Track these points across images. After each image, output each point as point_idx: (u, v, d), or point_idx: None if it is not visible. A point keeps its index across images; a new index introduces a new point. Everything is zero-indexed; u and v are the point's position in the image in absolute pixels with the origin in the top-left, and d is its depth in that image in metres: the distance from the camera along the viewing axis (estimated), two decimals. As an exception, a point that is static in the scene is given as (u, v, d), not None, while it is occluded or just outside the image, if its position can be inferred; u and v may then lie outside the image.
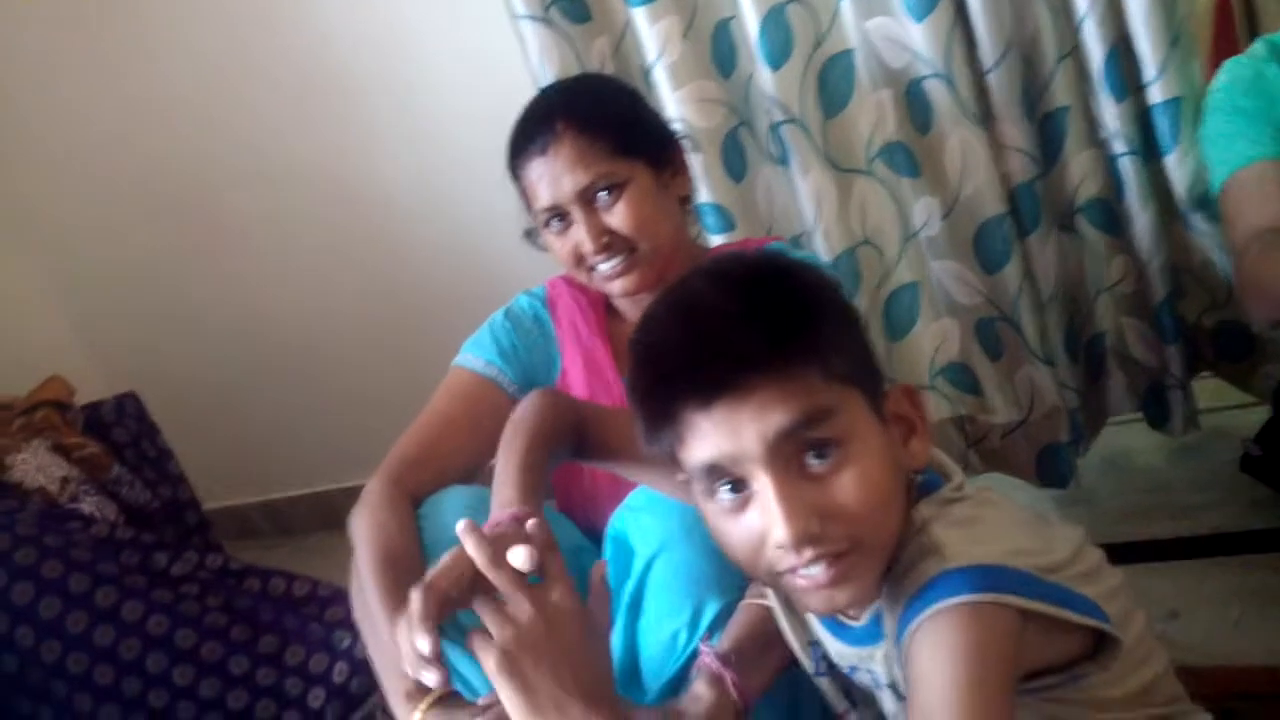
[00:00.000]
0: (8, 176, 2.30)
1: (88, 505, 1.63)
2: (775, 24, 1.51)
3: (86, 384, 1.90)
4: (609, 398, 1.28)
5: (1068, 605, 0.74)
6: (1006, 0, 1.47)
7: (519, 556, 0.81)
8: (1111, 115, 1.51)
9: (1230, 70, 1.36)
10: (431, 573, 0.84)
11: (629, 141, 1.21)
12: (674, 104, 1.58)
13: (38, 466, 1.62)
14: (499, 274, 1.95)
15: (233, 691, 1.55)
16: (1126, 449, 1.83)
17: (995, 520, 0.79)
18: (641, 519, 1.06)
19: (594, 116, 1.21)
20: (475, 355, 1.29)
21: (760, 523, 0.74)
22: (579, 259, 1.23)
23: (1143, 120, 1.52)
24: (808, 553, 0.72)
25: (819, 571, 0.73)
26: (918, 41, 1.49)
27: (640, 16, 1.55)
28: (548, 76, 1.56)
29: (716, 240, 1.66)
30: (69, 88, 2.18)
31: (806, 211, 1.62)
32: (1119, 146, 1.53)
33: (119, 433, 1.83)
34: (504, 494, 0.97)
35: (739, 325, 0.73)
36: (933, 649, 0.70)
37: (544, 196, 1.21)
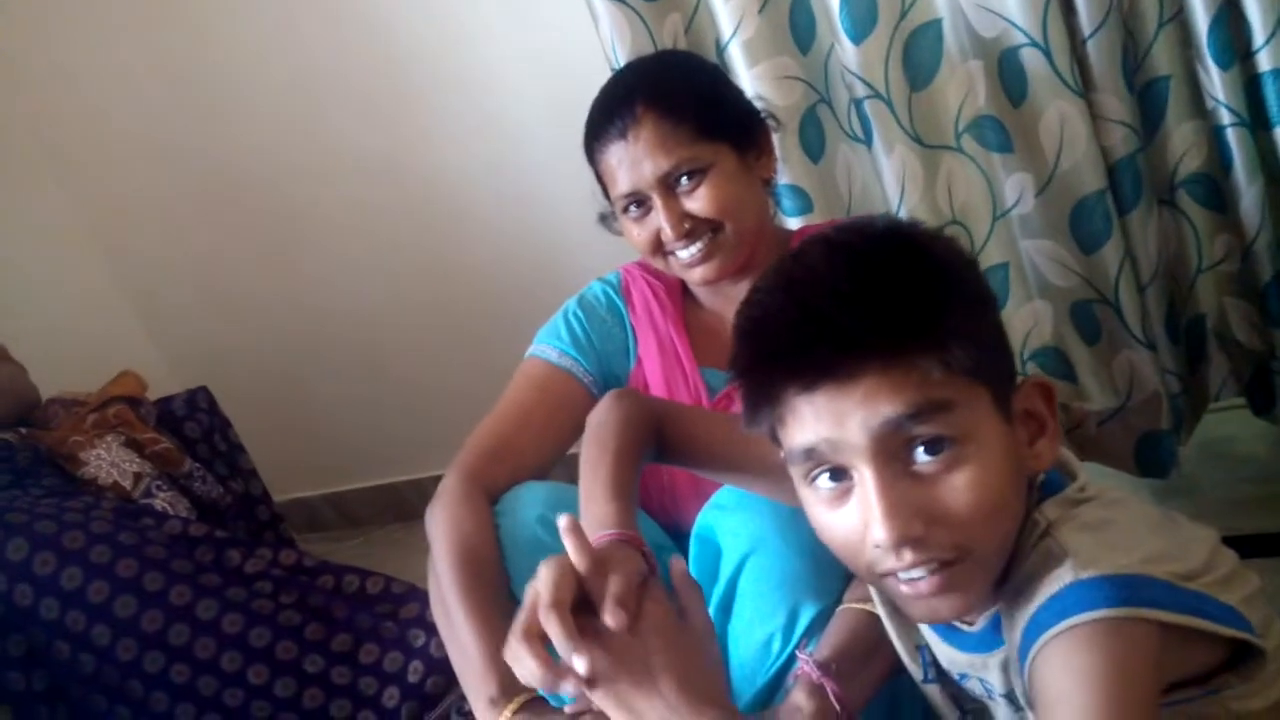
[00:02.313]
0: (79, 178, 2.31)
1: (160, 501, 1.62)
2: (859, -8, 1.44)
3: (157, 379, 1.90)
4: (686, 387, 1.25)
5: (1209, 615, 0.68)
6: (1106, -38, 1.39)
7: (581, 664, 0.73)
8: (1217, 84, 1.42)
9: None
10: (546, 590, 0.76)
11: (712, 123, 1.17)
12: (750, 81, 1.52)
13: (111, 462, 1.62)
14: (569, 262, 1.92)
15: (308, 690, 1.54)
16: (1229, 437, 1.74)
17: (1127, 523, 0.73)
18: (730, 518, 1.02)
19: (675, 98, 1.17)
20: (549, 345, 1.26)
21: (860, 518, 0.69)
22: (657, 245, 1.19)
23: (1251, 89, 1.42)
24: (908, 556, 0.67)
25: (921, 577, 0.68)
26: (1012, 9, 1.41)
27: (716, -10, 1.49)
28: (621, 55, 1.51)
29: (793, 223, 1.60)
30: (137, 91, 2.19)
31: (890, 190, 1.55)
32: (1225, 117, 1.44)
33: (191, 427, 1.82)
34: (597, 511, 0.92)
35: (850, 305, 0.67)
36: (1068, 668, 0.64)
37: (623, 182, 1.17)
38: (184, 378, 1.98)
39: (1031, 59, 1.43)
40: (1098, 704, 0.62)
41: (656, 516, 1.25)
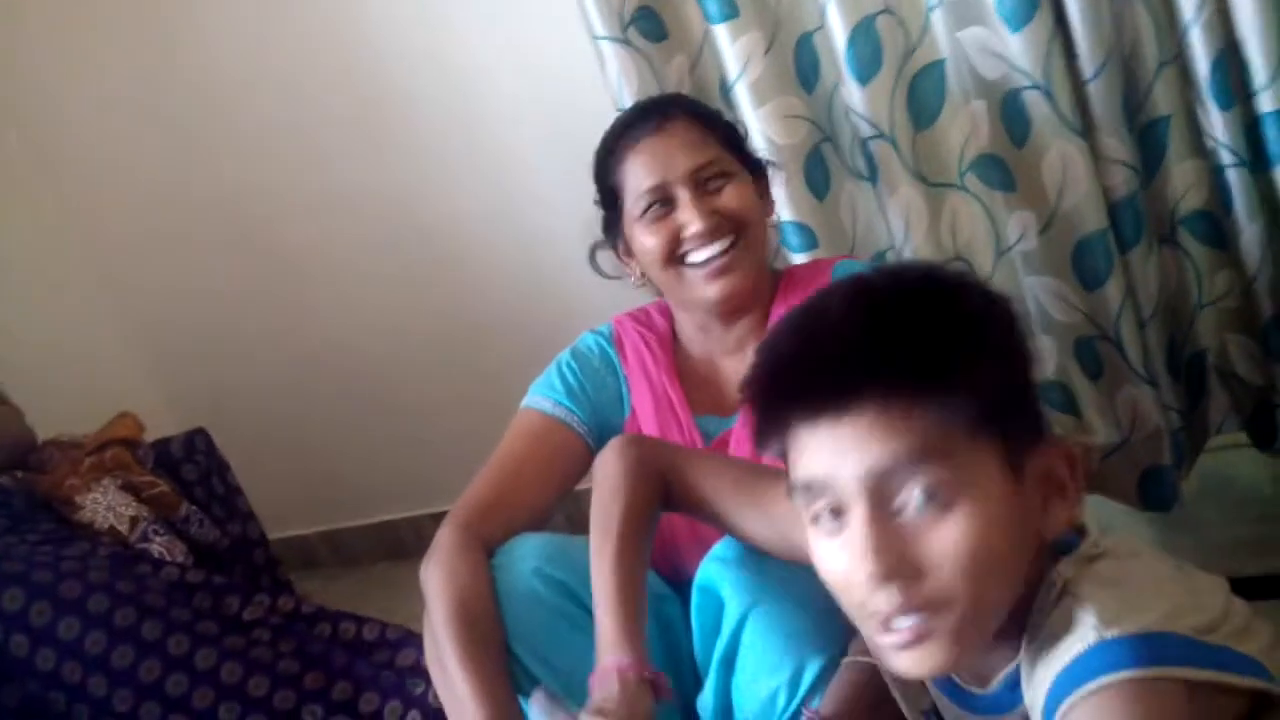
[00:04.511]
0: (75, 217, 2.30)
1: (157, 545, 1.59)
2: (864, 37, 1.46)
3: (154, 417, 1.87)
4: (680, 436, 1.25)
5: (1233, 668, 0.67)
6: (1106, 6, 1.41)
7: None
8: (1217, 124, 1.44)
9: None
10: None
11: (738, 146, 1.23)
12: (756, 121, 1.53)
13: (108, 506, 1.59)
14: (567, 302, 1.91)
15: (308, 739, 1.51)
16: (1230, 473, 1.75)
17: (1143, 577, 0.72)
18: (732, 571, 1.02)
19: (709, 113, 1.24)
20: (543, 396, 1.27)
21: (848, 557, 0.68)
22: (672, 251, 1.19)
23: (1251, 130, 1.45)
24: (893, 597, 0.66)
25: (905, 626, 0.67)
26: (1014, 52, 1.43)
27: (721, 33, 1.50)
28: (628, 97, 1.51)
29: (797, 259, 1.60)
30: (138, 131, 2.18)
31: (895, 227, 1.57)
32: (1225, 157, 1.46)
33: (188, 469, 1.80)
34: (605, 621, 0.95)
35: (857, 345, 0.68)
36: None
37: (653, 175, 1.18)
38: (181, 415, 1.96)
39: (1034, 100, 1.45)
40: None
41: (657, 564, 1.22)
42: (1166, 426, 1.58)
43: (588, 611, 1.09)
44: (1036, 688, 0.69)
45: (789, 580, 0.98)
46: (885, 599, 0.67)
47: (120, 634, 1.42)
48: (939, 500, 0.67)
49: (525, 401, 1.28)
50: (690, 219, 1.17)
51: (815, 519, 0.72)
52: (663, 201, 1.19)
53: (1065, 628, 0.68)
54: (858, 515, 0.67)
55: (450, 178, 2.02)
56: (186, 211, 2.20)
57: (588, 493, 1.18)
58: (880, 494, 0.67)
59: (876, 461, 0.67)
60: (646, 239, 1.20)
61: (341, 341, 2.22)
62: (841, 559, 0.70)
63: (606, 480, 1.01)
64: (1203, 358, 1.63)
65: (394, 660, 1.58)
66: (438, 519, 2.26)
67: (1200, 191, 1.52)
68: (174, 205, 2.20)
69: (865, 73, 1.47)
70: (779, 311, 1.24)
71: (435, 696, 1.53)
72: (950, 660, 0.69)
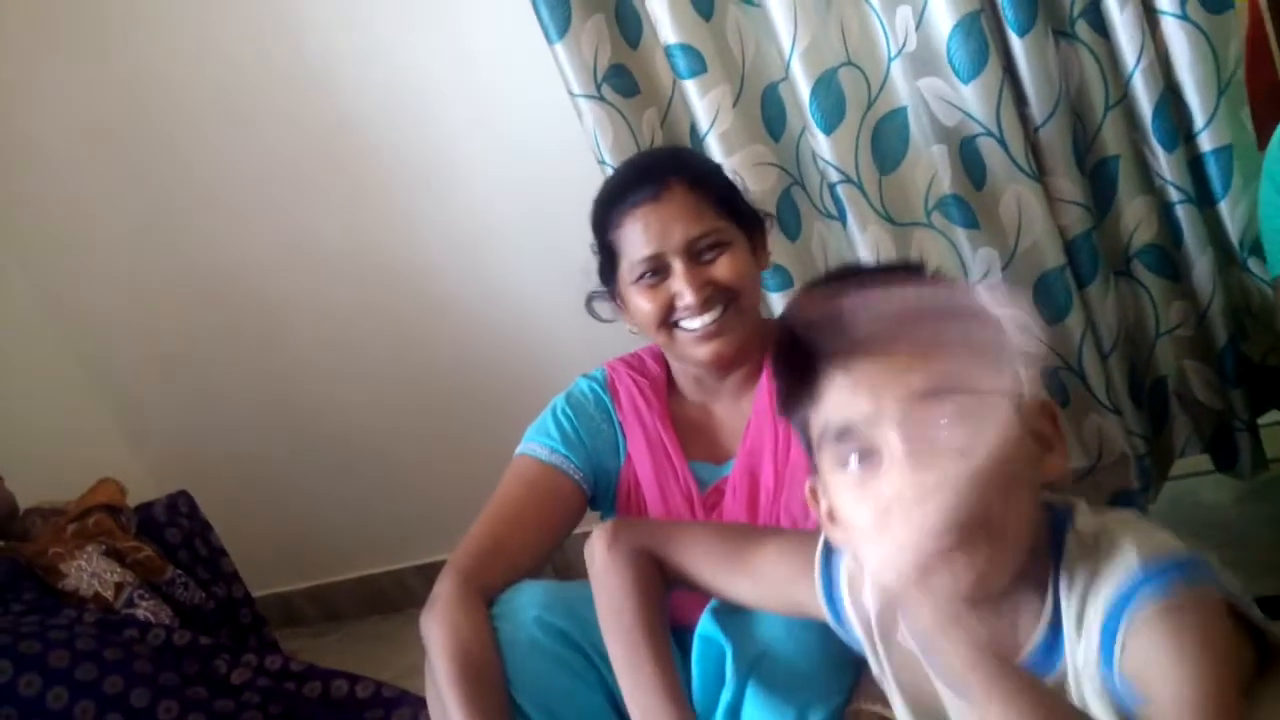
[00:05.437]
0: (49, 279, 2.28)
1: (143, 610, 1.58)
2: (827, 89, 1.51)
3: (134, 479, 1.86)
4: (676, 483, 1.27)
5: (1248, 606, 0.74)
6: (1053, 57, 1.49)
7: None
8: (1163, 164, 1.51)
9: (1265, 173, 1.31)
10: None
11: (733, 208, 1.24)
12: (728, 169, 1.58)
13: (92, 573, 1.57)
14: (547, 354, 1.94)
15: (300, 801, 1.49)
16: (1196, 498, 1.80)
17: (1152, 526, 0.78)
18: (736, 620, 1.03)
19: (705, 176, 1.24)
20: (539, 443, 1.28)
21: (888, 492, 0.72)
22: (665, 316, 1.21)
23: (1195, 168, 1.52)
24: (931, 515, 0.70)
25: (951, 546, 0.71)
26: (968, 101, 1.49)
27: (690, 88, 1.55)
28: (605, 149, 1.56)
29: (774, 298, 1.65)
30: (110, 194, 2.18)
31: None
32: (1173, 194, 1.53)
33: (172, 532, 1.78)
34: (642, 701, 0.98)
35: (890, 294, 0.75)
36: (1171, 636, 0.68)
37: (648, 245, 1.19)
38: (161, 477, 1.94)
39: (988, 147, 1.51)
40: (1206, 660, 0.67)
41: None
42: (1132, 452, 1.64)
43: (589, 660, 1.12)
44: (1088, 628, 0.73)
45: (793, 629, 1.00)
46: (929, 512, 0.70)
47: (109, 702, 1.40)
48: (963, 424, 0.71)
49: (521, 448, 1.29)
50: (684, 290, 1.18)
51: (844, 465, 0.76)
52: (657, 270, 1.20)
53: (1109, 564, 0.73)
54: (894, 443, 0.72)
55: (426, 230, 2.04)
56: (160, 272, 2.20)
57: (575, 539, 1.21)
58: (918, 424, 0.72)
59: (913, 393, 0.72)
60: (641, 303, 1.22)
61: (320, 397, 2.22)
62: (877, 500, 0.73)
63: (606, 578, 1.04)
64: (1164, 384, 1.69)
65: (389, 719, 1.57)
66: (421, 571, 2.27)
67: (1151, 226, 1.59)
68: (148, 267, 2.20)
69: (830, 122, 1.53)
70: (767, 372, 1.26)
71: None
72: (997, 580, 0.74)
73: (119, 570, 1.60)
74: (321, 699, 1.58)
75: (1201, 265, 1.55)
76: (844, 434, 0.75)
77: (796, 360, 0.78)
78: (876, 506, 0.74)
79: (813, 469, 0.82)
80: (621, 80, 1.58)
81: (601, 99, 1.56)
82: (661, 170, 1.21)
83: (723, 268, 1.19)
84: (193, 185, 2.13)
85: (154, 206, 2.15)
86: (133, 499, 1.80)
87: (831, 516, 0.81)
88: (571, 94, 1.56)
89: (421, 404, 2.17)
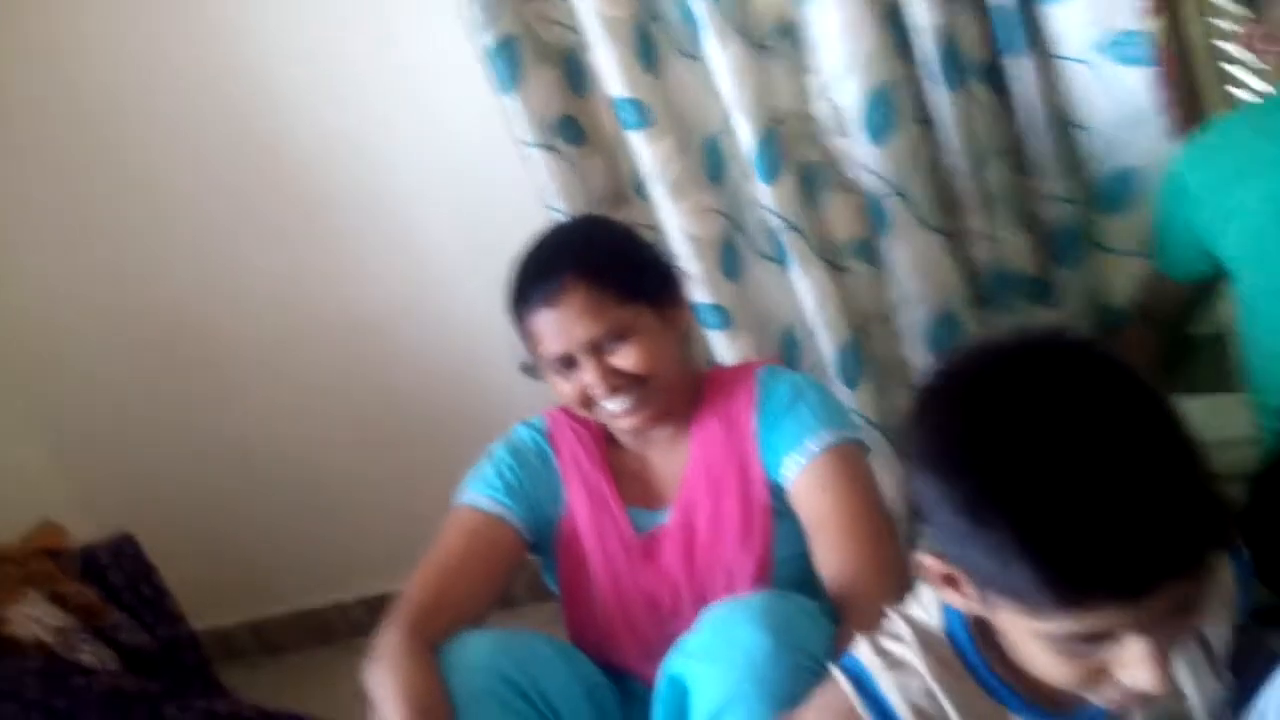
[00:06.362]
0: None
1: (87, 655, 1.55)
2: (769, 144, 1.58)
3: (69, 514, 1.81)
4: (615, 530, 1.29)
5: None
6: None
7: None
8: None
9: (1171, 168, 1.40)
10: None
11: (634, 288, 1.22)
12: (674, 216, 1.64)
13: (34, 618, 1.55)
14: (491, 390, 1.96)
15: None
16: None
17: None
18: (703, 667, 1.05)
19: (601, 266, 1.21)
20: (481, 494, 1.29)
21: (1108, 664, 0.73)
22: (586, 399, 1.24)
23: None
24: None
25: None
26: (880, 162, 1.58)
27: (637, 139, 1.60)
28: (554, 196, 1.60)
29: (715, 336, 1.70)
30: (46, 226, 2.12)
31: (807, 305, 1.68)
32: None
33: (115, 575, 1.76)
34: None
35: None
36: None
37: (553, 346, 1.21)
38: (100, 510, 1.90)
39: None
40: None
41: (590, 654, 1.27)
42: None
43: (537, 710, 1.14)
44: None
45: (762, 680, 1.00)
46: None
47: (58, 754, 1.38)
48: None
49: (462, 498, 1.30)
50: (593, 383, 1.21)
51: (1070, 651, 0.72)
52: (567, 363, 1.22)
53: None
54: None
55: (370, 260, 2.04)
56: (98, 308, 2.15)
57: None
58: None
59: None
60: (560, 385, 1.25)
61: (260, 429, 2.20)
62: (1090, 660, 0.72)
63: None
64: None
65: None
66: (364, 604, 2.25)
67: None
68: (84, 302, 2.15)
69: (771, 173, 1.60)
70: (703, 416, 1.30)
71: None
72: None
73: (61, 615, 1.57)
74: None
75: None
76: (1091, 638, 0.70)
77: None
78: (1085, 667, 0.73)
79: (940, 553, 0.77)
80: (570, 130, 1.63)
81: (551, 149, 1.60)
82: (558, 269, 1.21)
83: (628, 358, 1.21)
84: (130, 214, 2.08)
85: (95, 238, 2.10)
86: (69, 525, 1.76)
87: (955, 582, 0.77)
88: (520, 143, 1.60)
89: (362, 436, 2.17)
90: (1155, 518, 0.65)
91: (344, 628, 2.20)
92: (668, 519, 1.28)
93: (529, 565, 1.34)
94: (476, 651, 1.16)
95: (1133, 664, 0.70)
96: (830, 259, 1.68)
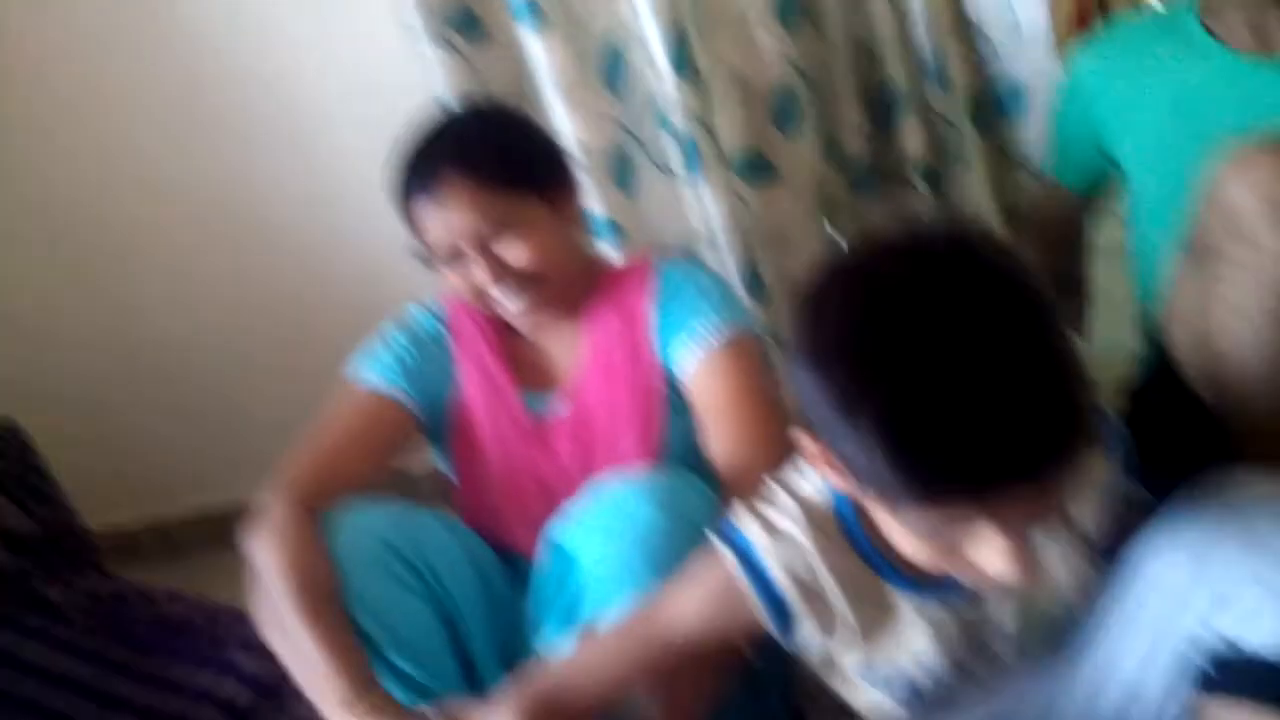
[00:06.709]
0: None
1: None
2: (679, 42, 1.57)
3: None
4: (507, 412, 1.29)
5: None
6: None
7: None
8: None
9: (1072, 66, 1.41)
10: None
11: (520, 177, 1.19)
12: (569, 123, 1.63)
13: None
14: (385, 285, 1.94)
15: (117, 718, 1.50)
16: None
17: None
18: (592, 538, 1.05)
19: (483, 157, 1.18)
20: (375, 373, 1.28)
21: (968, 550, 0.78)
22: (481, 292, 1.21)
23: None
24: None
25: None
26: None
27: (533, 38, 1.59)
28: (447, 91, 1.58)
29: (608, 248, 1.71)
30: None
31: (712, 216, 1.69)
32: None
33: (-1, 463, 1.74)
34: None
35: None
36: None
37: (437, 236, 1.19)
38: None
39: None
40: None
41: (483, 534, 1.28)
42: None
43: (424, 581, 1.16)
44: None
45: (654, 552, 1.01)
46: None
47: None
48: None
49: (352, 372, 1.29)
50: (484, 280, 1.19)
51: (930, 531, 0.76)
52: (454, 255, 1.19)
53: None
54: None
55: (271, 163, 2.02)
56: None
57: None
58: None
59: None
60: (453, 278, 1.22)
61: (159, 327, 2.18)
62: (954, 544, 0.76)
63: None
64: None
65: (216, 632, 1.58)
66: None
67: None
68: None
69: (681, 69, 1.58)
70: (600, 303, 1.28)
71: (264, 669, 1.54)
72: None
73: (-62, 498, 1.56)
74: (154, 619, 1.58)
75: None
76: (948, 528, 0.74)
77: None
78: (948, 553, 0.77)
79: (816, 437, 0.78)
80: (468, 25, 1.60)
81: (447, 43, 1.58)
82: (438, 160, 1.18)
83: (516, 253, 1.18)
84: (32, 115, 2.05)
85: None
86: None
87: (832, 465, 0.78)
88: (416, 38, 1.57)
89: (265, 334, 2.15)
90: (1010, 417, 0.67)
91: (243, 526, 2.21)
92: (561, 405, 1.28)
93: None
94: (364, 520, 1.16)
95: (991, 555, 0.74)
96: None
